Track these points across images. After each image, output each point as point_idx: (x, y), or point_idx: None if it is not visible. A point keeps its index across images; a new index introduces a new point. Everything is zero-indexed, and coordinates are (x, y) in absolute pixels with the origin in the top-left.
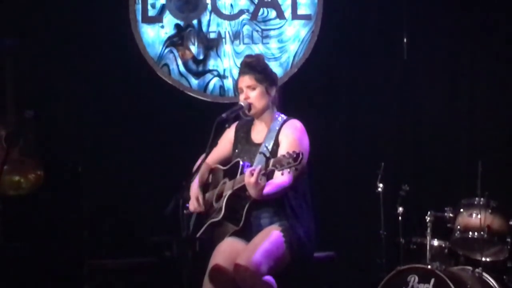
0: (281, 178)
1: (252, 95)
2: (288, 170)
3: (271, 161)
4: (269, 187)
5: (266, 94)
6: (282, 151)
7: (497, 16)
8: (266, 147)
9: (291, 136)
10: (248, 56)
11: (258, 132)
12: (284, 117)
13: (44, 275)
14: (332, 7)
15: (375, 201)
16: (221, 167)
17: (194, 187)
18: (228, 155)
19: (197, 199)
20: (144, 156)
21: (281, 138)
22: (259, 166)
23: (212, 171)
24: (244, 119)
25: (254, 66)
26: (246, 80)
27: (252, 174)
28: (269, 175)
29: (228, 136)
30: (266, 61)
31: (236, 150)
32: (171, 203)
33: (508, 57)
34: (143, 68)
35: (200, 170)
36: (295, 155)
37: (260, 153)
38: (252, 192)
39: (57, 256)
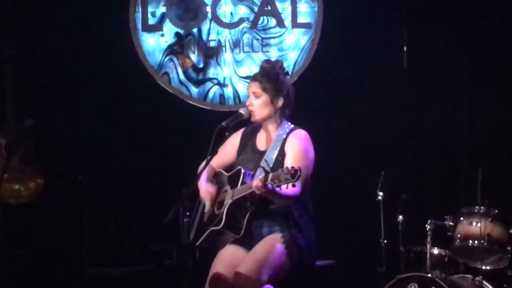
0: (292, 187)
1: (256, 103)
2: (286, 186)
3: (270, 176)
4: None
5: (270, 104)
6: (288, 162)
7: (497, 25)
8: (267, 162)
9: (297, 147)
10: (266, 61)
11: (263, 139)
12: (291, 126)
13: (44, 284)
14: (332, 16)
15: (375, 209)
16: (224, 172)
17: (203, 181)
18: (232, 160)
19: (208, 188)
20: (144, 164)
21: (287, 148)
22: (258, 178)
23: (216, 175)
24: (251, 125)
25: (266, 73)
26: (253, 87)
27: (257, 184)
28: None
29: (234, 142)
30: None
31: (240, 156)
32: (172, 211)
33: (508, 65)
34: (143, 77)
35: (206, 172)
36: (293, 171)
37: (261, 166)
38: (258, 192)
39: (57, 264)
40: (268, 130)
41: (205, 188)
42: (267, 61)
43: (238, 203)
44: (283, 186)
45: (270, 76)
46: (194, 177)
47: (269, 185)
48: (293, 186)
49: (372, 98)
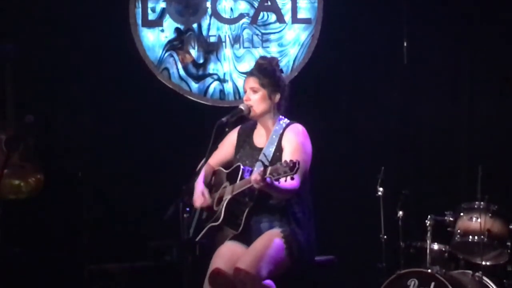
0: (290, 181)
1: (253, 98)
2: (285, 179)
3: (268, 169)
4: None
5: (268, 99)
6: (285, 156)
7: (497, 21)
8: (265, 156)
9: (295, 141)
10: (262, 58)
11: (260, 136)
12: (287, 121)
13: (44, 280)
14: (332, 11)
15: (375, 205)
16: (223, 170)
17: (199, 184)
18: (230, 158)
19: (203, 194)
20: (144, 161)
21: (284, 143)
22: (257, 171)
23: (214, 173)
24: (247, 123)
25: (263, 69)
26: (251, 82)
27: (255, 178)
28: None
29: (231, 139)
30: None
31: (239, 154)
32: (171, 207)
33: (508, 61)
34: (143, 72)
35: (204, 171)
36: (291, 164)
37: (259, 160)
38: (257, 186)
39: (57, 261)
40: (265, 126)
41: (199, 192)
42: (263, 57)
43: (237, 199)
44: (282, 180)
45: (267, 71)
46: (194, 173)
47: (268, 179)
48: (292, 179)
49: (372, 93)
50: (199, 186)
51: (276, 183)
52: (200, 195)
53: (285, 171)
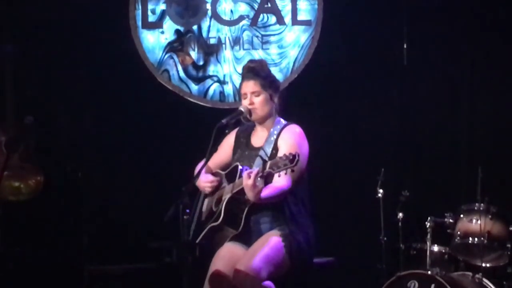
0: (280, 181)
1: (257, 101)
2: (285, 172)
3: (268, 163)
4: (268, 190)
5: (270, 100)
6: (280, 154)
7: (497, 22)
8: (264, 151)
9: (290, 140)
10: (251, 61)
11: (259, 137)
12: (284, 122)
13: (43, 281)
14: (332, 13)
15: (375, 206)
16: (221, 172)
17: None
18: (228, 160)
19: (209, 179)
20: (143, 162)
21: (280, 142)
22: (256, 168)
23: (213, 175)
24: (245, 125)
25: (259, 71)
26: (251, 86)
27: (249, 177)
28: (267, 179)
29: (229, 142)
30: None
31: (236, 155)
32: (171, 209)
33: (508, 63)
34: (143, 74)
35: (203, 172)
36: (291, 157)
37: (258, 156)
38: (250, 195)
39: (56, 262)
40: (263, 128)
41: (204, 179)
42: (253, 61)
43: (236, 198)
44: (277, 177)
45: (264, 73)
46: (194, 175)
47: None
48: (292, 171)
49: (372, 95)
50: (202, 175)
51: (263, 193)
52: (207, 180)
53: (285, 164)
